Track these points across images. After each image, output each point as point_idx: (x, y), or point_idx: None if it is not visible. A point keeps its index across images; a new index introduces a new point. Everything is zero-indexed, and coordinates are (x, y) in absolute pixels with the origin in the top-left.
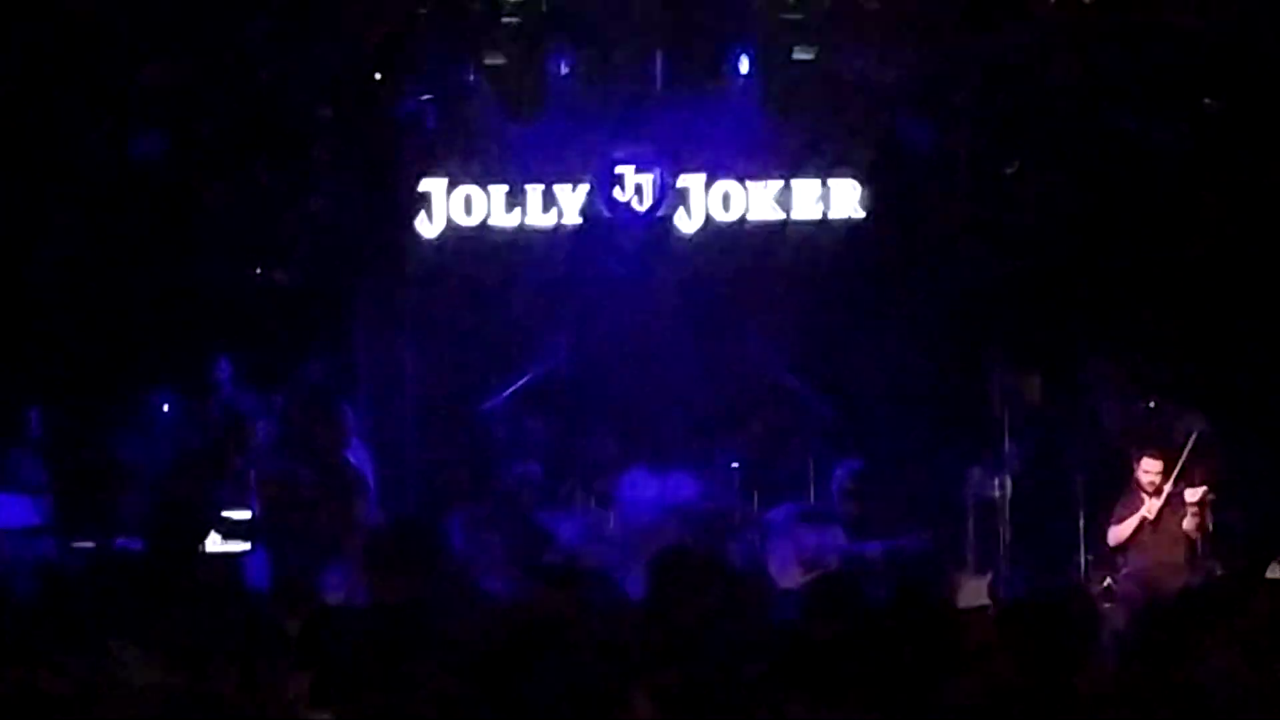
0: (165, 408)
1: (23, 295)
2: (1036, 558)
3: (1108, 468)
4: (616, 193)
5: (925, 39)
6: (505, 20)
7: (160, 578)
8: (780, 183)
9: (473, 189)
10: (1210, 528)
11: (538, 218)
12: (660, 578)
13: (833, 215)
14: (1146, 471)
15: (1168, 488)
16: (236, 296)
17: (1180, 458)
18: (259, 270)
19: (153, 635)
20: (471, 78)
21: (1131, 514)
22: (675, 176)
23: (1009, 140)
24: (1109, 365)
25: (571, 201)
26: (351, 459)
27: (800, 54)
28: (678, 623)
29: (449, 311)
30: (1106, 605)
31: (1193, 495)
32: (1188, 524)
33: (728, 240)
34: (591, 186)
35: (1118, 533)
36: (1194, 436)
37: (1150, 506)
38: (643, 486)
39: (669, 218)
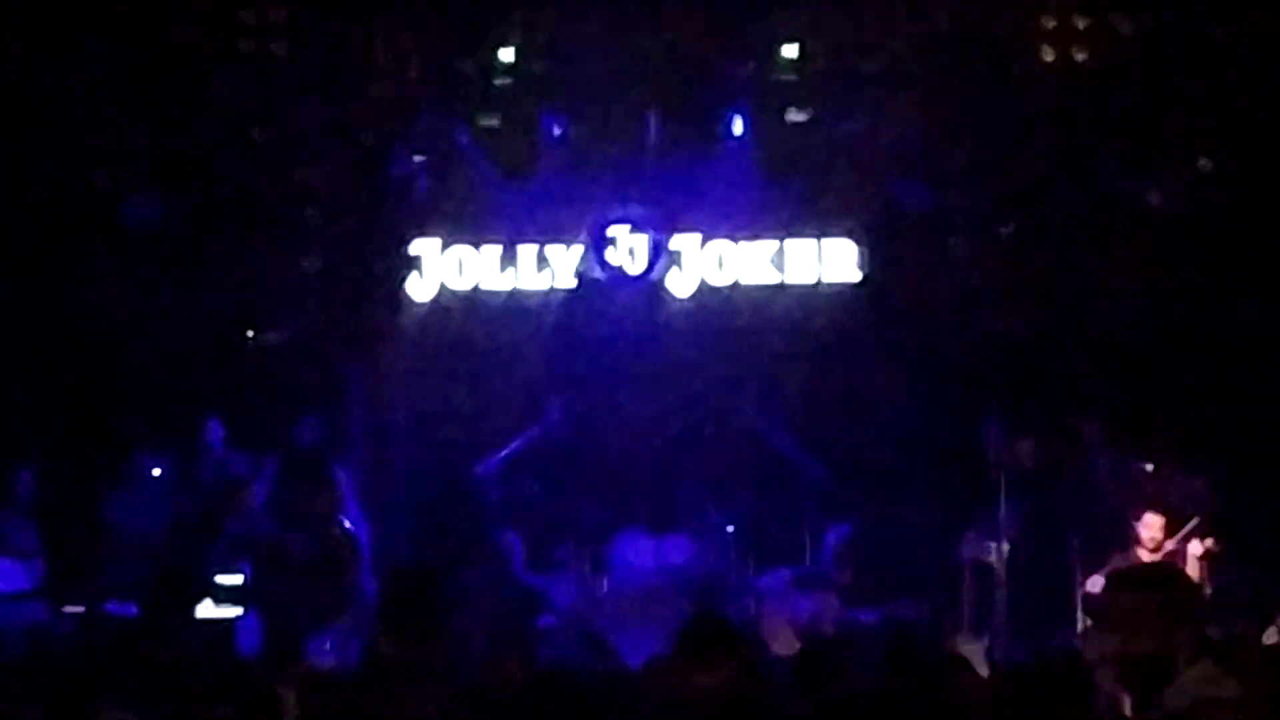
0: (157, 471)
1: (14, 357)
2: (1033, 622)
3: (1104, 530)
4: (610, 255)
5: (920, 101)
6: (498, 82)
7: (152, 642)
8: (775, 244)
9: (465, 250)
10: (1209, 591)
11: (531, 279)
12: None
13: (827, 277)
14: (1148, 527)
15: (1169, 545)
16: (229, 358)
17: (1180, 517)
18: (251, 332)
19: (143, 700)
20: (465, 139)
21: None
22: (669, 238)
23: (1004, 202)
24: (1104, 428)
25: (565, 263)
26: (346, 524)
27: (795, 116)
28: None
29: (442, 374)
30: (1103, 669)
31: (1197, 548)
32: None
33: (722, 303)
34: (585, 248)
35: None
36: (1195, 497)
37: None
38: (637, 550)
39: (663, 280)
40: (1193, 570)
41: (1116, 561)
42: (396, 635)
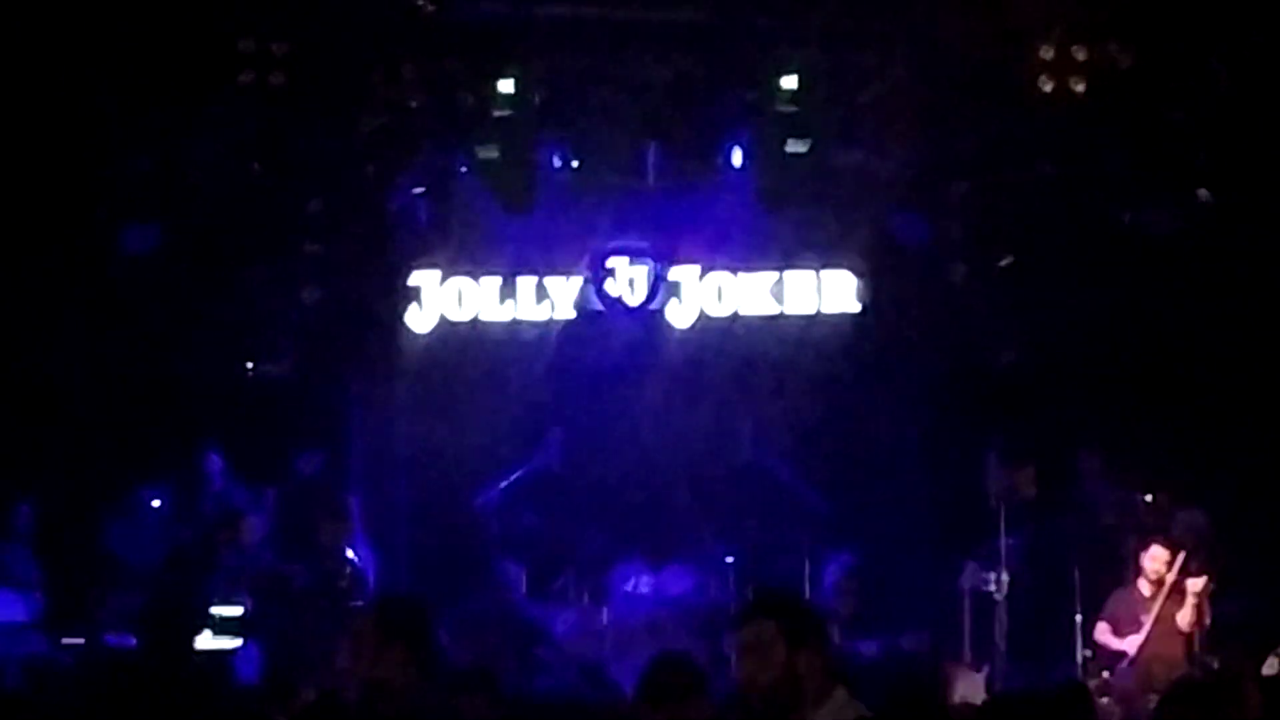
0: (156, 503)
1: (13, 390)
2: (1033, 651)
3: (1104, 561)
4: (609, 285)
5: (919, 132)
6: (497, 113)
7: (151, 674)
8: (774, 275)
9: (465, 281)
10: (1209, 621)
11: (530, 310)
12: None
13: (826, 308)
14: (1153, 559)
15: (1170, 577)
16: (228, 390)
17: (1183, 549)
18: (251, 363)
19: None
20: (464, 170)
21: (1126, 609)
22: (668, 269)
23: (1003, 233)
24: (1104, 458)
25: (564, 294)
26: (353, 554)
27: (793, 146)
28: None
29: (441, 405)
30: (1104, 700)
31: (1195, 585)
32: (1185, 617)
33: (721, 333)
34: (584, 279)
35: (1118, 642)
36: (1195, 528)
37: (1153, 609)
38: (636, 581)
39: (662, 311)
40: (1192, 604)
41: (1119, 595)
42: (388, 662)
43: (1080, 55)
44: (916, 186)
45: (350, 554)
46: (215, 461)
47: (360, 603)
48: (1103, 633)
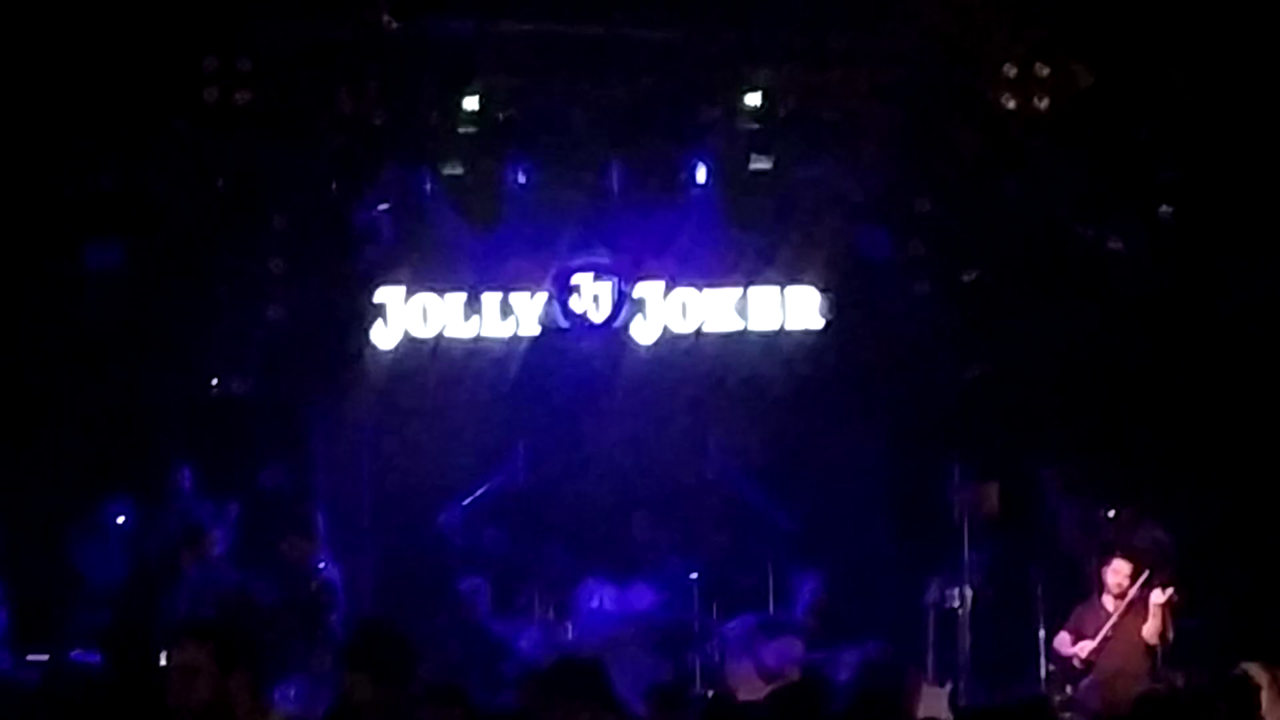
0: (121, 519)
1: None
2: (997, 667)
3: (1067, 577)
4: (573, 302)
5: (883, 148)
6: (462, 130)
7: (116, 690)
8: (738, 291)
9: (429, 298)
10: (1171, 636)
11: (495, 327)
12: None
13: (791, 324)
14: (1116, 573)
15: (1133, 592)
16: (193, 406)
17: (1145, 563)
18: (215, 380)
19: None
20: (429, 187)
21: (1090, 622)
22: (632, 285)
23: (967, 249)
24: (1067, 474)
25: (528, 311)
26: (322, 570)
27: (758, 163)
28: None
29: (406, 421)
30: (1067, 715)
31: (1159, 597)
32: (1149, 629)
33: (685, 350)
34: (549, 296)
35: (1072, 648)
36: (1158, 543)
37: (1109, 625)
38: (601, 597)
39: (626, 327)
40: (1155, 618)
41: (1082, 610)
42: (364, 683)
43: (1043, 73)
44: (880, 203)
45: (321, 570)
46: (186, 477)
47: (334, 615)
48: (1063, 642)
